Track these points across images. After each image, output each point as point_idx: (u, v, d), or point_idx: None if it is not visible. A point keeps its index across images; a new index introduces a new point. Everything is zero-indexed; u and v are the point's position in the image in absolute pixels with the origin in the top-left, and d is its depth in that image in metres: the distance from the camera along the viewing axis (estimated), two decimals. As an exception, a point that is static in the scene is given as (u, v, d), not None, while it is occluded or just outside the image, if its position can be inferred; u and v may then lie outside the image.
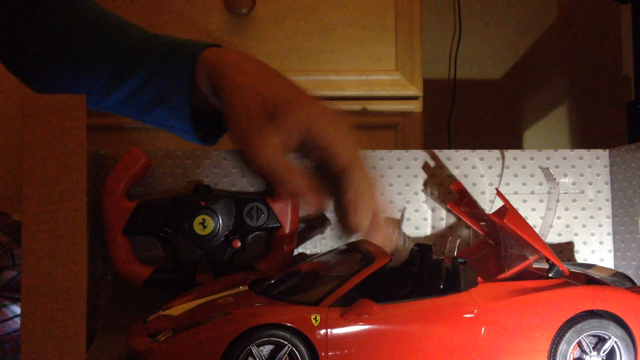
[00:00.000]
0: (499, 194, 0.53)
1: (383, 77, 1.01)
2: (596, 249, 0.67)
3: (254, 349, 0.43)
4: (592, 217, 0.67)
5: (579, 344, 0.47)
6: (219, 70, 0.56)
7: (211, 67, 0.57)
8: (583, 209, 0.67)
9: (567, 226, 0.67)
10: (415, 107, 1.04)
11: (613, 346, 0.47)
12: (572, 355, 0.47)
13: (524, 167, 0.66)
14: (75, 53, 0.66)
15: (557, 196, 0.60)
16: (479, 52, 1.50)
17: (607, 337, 0.46)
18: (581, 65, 1.53)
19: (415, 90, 1.02)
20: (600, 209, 0.67)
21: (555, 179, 0.61)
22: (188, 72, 0.58)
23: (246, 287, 0.51)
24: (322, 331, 0.44)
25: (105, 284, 0.61)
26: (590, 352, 0.47)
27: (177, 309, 0.49)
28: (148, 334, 0.47)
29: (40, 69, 0.69)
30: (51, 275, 0.36)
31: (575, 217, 0.67)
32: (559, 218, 0.67)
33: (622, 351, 0.46)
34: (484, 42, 1.51)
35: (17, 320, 0.77)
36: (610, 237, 0.67)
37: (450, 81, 1.49)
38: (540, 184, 0.66)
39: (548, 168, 0.63)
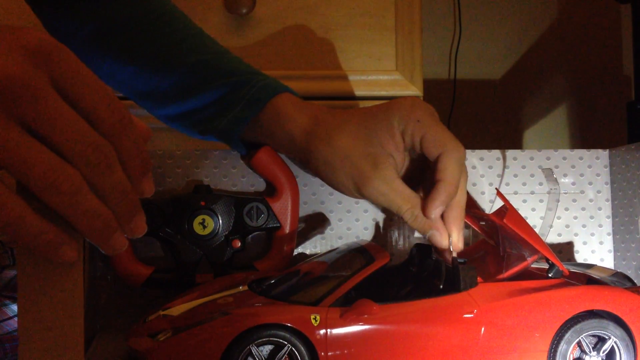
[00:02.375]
0: (499, 194, 0.53)
1: (383, 77, 1.01)
2: (596, 249, 0.67)
3: (254, 349, 0.43)
4: (592, 217, 0.67)
5: (579, 344, 0.47)
6: (313, 131, 0.55)
7: (297, 126, 0.56)
8: (583, 209, 0.67)
9: (567, 226, 0.67)
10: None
11: (613, 346, 0.47)
12: (571, 355, 0.46)
13: (524, 167, 0.66)
14: (137, 50, 0.62)
15: (558, 196, 0.60)
16: (479, 52, 1.50)
17: (607, 337, 0.46)
18: (581, 65, 1.53)
19: (415, 90, 1.02)
20: (600, 209, 0.67)
21: (556, 179, 0.61)
22: (251, 115, 0.58)
23: (246, 287, 0.51)
24: (322, 331, 0.44)
25: (105, 284, 0.61)
26: (590, 352, 0.47)
27: (177, 309, 0.49)
28: (148, 334, 0.47)
29: (90, 57, 0.64)
30: (48, 274, 0.36)
31: (575, 217, 0.67)
32: (559, 218, 0.67)
33: (621, 351, 0.46)
34: (484, 42, 1.51)
35: None
36: (610, 237, 0.67)
37: (450, 81, 1.49)
38: (540, 184, 0.66)
39: (549, 169, 0.62)
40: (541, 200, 0.66)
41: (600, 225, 0.67)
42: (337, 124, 0.55)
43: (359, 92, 1.01)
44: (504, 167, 0.66)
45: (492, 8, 1.51)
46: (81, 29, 0.63)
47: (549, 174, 0.61)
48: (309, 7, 1.00)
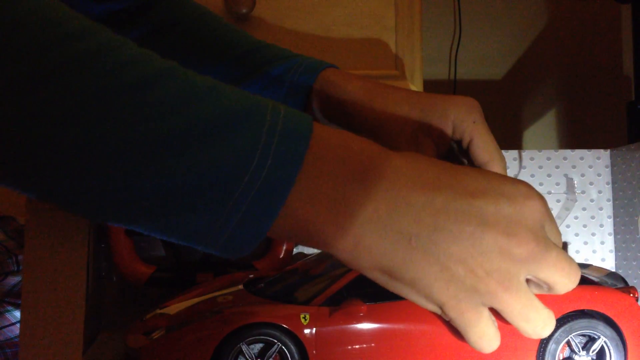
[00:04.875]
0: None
1: (383, 77, 1.01)
2: (597, 249, 0.67)
3: (244, 347, 0.43)
4: (593, 217, 0.67)
5: (568, 344, 0.47)
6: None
7: (350, 96, 0.55)
8: (584, 209, 0.67)
9: (568, 226, 0.67)
10: (417, 107, 1.04)
11: (603, 346, 0.47)
12: (561, 355, 0.47)
13: (524, 167, 0.66)
14: (185, 48, 0.62)
15: (572, 207, 0.60)
16: (479, 52, 1.50)
17: (596, 337, 0.47)
18: (581, 65, 1.53)
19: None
20: (601, 209, 0.67)
21: (575, 190, 0.61)
22: (304, 93, 0.58)
23: (241, 287, 0.52)
24: (311, 330, 0.44)
25: (110, 284, 0.62)
26: (580, 351, 0.47)
27: (174, 308, 0.50)
28: (144, 332, 0.48)
29: None
30: (53, 279, 0.37)
31: (576, 217, 0.67)
32: (559, 218, 0.67)
33: (611, 351, 0.46)
34: (484, 42, 1.50)
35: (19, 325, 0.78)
36: (611, 237, 0.67)
37: (450, 81, 1.49)
38: (541, 184, 0.66)
39: (572, 179, 0.63)
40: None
41: (601, 225, 0.67)
42: (394, 99, 0.55)
43: (359, 92, 1.01)
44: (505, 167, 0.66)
45: (492, 8, 1.51)
46: (129, 35, 0.65)
47: (570, 183, 0.61)
48: (309, 7, 1.00)
